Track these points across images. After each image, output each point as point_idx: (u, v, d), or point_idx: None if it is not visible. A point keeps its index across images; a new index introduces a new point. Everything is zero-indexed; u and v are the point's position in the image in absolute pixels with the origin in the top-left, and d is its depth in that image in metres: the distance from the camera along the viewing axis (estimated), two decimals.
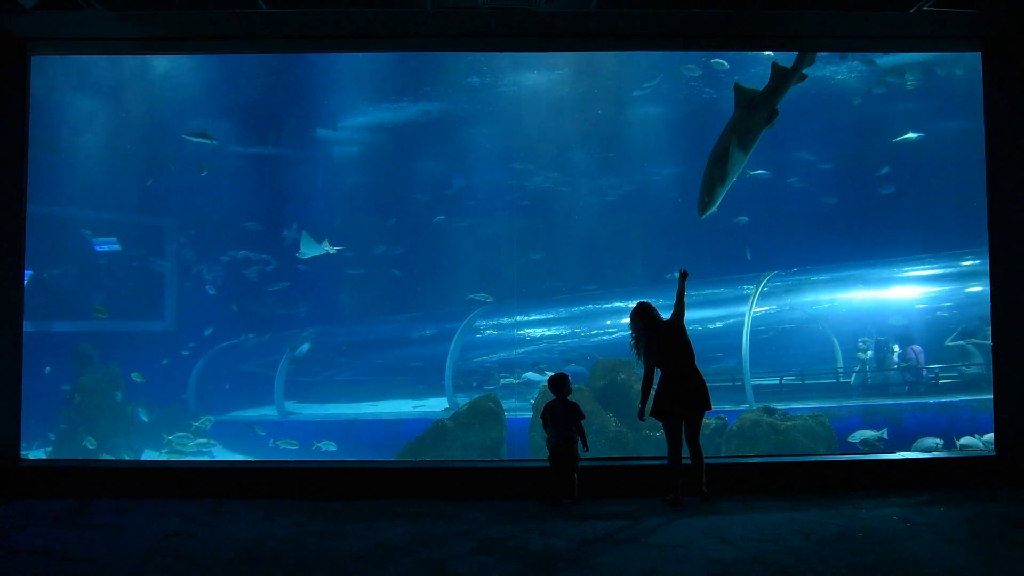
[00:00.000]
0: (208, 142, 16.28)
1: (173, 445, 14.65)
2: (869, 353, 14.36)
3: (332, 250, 16.17)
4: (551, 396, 7.00)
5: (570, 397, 6.98)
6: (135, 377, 15.21)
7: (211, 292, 18.55)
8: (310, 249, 15.98)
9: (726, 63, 17.12)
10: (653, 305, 6.94)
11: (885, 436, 11.08)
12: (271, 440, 14.75)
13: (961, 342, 13.78)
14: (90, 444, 13.75)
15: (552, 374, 7.17)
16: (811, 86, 18.81)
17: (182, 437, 14.75)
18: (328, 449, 14.01)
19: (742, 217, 17.28)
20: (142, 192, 19.30)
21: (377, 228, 21.16)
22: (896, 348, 14.25)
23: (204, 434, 15.11)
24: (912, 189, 17.75)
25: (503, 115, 19.82)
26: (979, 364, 13.31)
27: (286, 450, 14.24)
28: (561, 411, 6.86)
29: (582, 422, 6.88)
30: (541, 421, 6.99)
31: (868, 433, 11.08)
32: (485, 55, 18.12)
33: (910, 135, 17.15)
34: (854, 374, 14.35)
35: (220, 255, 19.40)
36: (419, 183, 21.51)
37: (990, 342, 13.43)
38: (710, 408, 6.73)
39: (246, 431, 15.73)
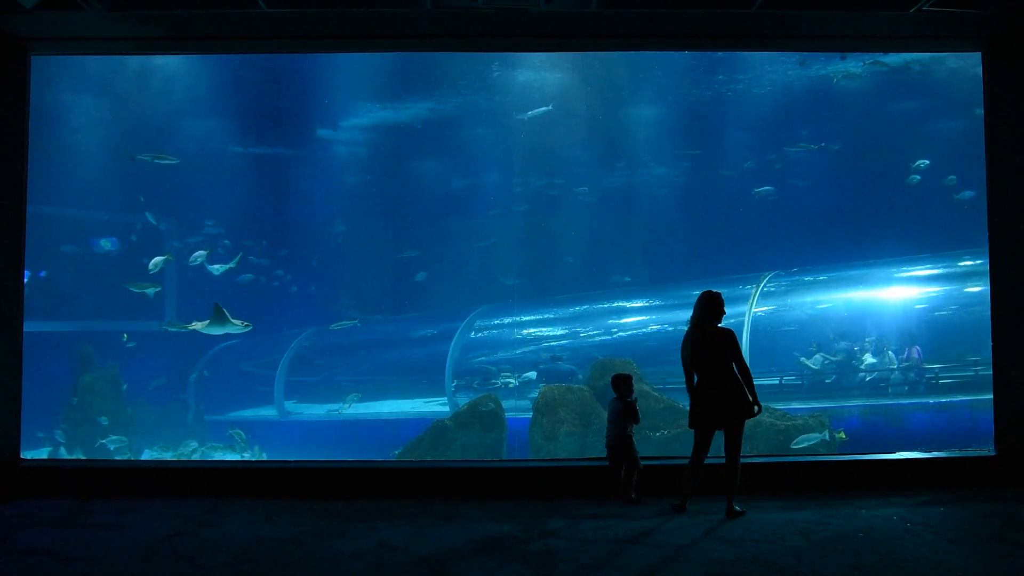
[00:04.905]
0: (169, 161, 15.50)
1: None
2: (817, 357, 14.49)
3: (233, 263, 16.26)
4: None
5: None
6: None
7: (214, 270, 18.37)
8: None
9: (887, 64, 16.73)
10: (717, 298, 6.40)
11: (827, 438, 11.08)
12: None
13: (819, 355, 14.39)
14: (167, 452, 13.72)
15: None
16: (815, 85, 18.90)
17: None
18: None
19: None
20: (140, 192, 19.26)
21: (376, 228, 21.17)
22: (881, 351, 14.33)
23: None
24: (912, 189, 17.72)
25: (502, 115, 19.80)
26: (832, 375, 14.21)
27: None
28: (618, 411, 6.91)
29: (634, 426, 6.91)
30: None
31: (811, 437, 11.07)
32: (485, 55, 18.11)
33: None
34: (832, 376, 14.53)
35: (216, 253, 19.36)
36: (418, 183, 21.52)
37: (838, 357, 14.10)
38: (747, 416, 6.34)
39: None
